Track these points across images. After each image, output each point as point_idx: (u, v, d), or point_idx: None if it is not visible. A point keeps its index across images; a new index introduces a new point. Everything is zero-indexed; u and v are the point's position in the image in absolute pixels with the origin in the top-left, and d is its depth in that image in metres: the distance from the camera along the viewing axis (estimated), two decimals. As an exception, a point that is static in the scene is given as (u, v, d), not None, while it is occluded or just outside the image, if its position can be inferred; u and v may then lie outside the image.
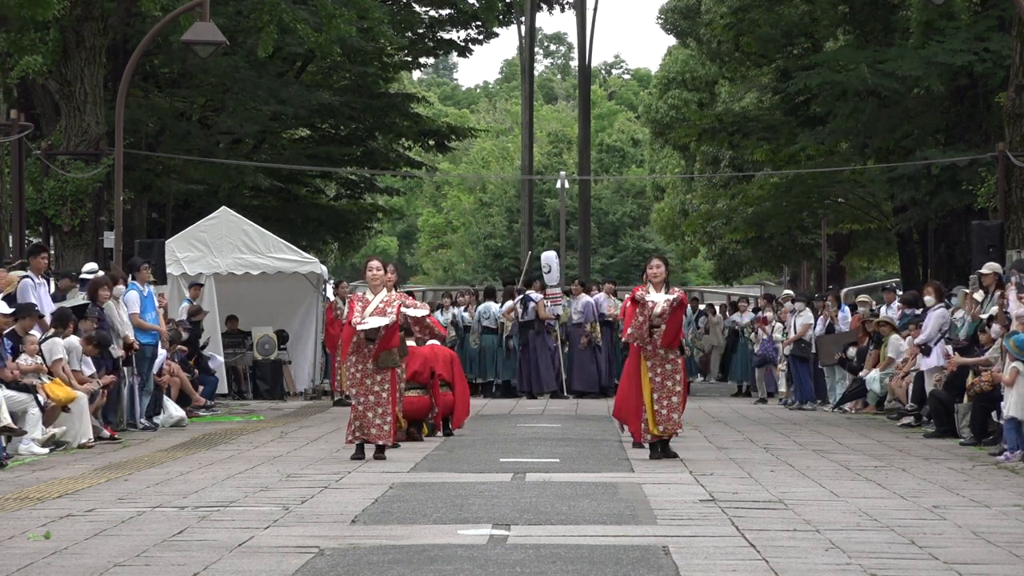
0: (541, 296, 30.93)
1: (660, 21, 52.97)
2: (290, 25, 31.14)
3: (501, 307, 31.50)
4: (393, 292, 17.15)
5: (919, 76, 32.54)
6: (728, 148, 47.23)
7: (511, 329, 31.17)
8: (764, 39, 39.95)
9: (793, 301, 29.44)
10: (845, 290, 36.95)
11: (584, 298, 31.14)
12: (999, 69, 30.90)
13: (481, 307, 31.64)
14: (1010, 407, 16.72)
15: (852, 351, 26.67)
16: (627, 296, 17.07)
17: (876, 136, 36.87)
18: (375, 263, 16.87)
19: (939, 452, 17.99)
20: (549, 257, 32.15)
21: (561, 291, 31.51)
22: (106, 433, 19.58)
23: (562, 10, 54.21)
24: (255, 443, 19.09)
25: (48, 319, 19.45)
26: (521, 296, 31.30)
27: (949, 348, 21.24)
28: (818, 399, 28.09)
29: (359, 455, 16.61)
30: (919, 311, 24.54)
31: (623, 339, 17.09)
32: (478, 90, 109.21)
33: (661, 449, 16.61)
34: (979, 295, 21.34)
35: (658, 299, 16.48)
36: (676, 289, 17.02)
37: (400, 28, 41.59)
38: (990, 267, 21.41)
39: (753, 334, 31.18)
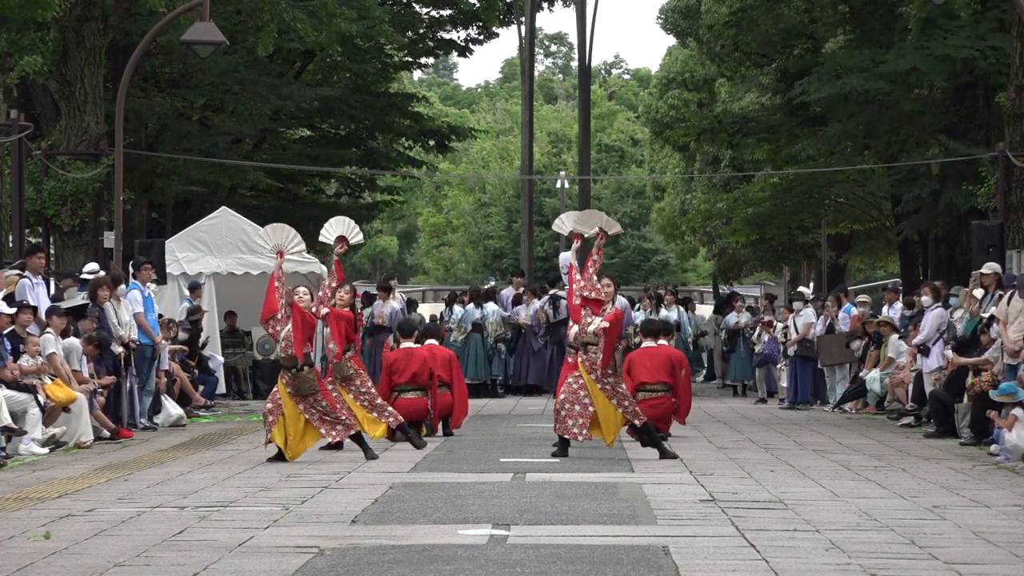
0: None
1: (660, 21, 52.95)
2: (290, 24, 31.14)
3: (479, 309, 31.51)
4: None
5: (921, 71, 32.46)
6: (728, 148, 47.18)
7: (541, 330, 31.21)
8: (764, 40, 39.92)
9: (791, 301, 29.45)
10: (852, 288, 36.89)
11: (620, 300, 30.98)
12: (1002, 67, 30.87)
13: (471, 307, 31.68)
14: (1013, 447, 16.68)
15: (856, 344, 26.64)
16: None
17: (877, 138, 36.85)
18: (302, 288, 17.09)
19: (939, 452, 17.99)
20: (566, 258, 32.11)
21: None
22: (106, 433, 19.59)
23: (565, 4, 54.22)
24: (255, 443, 19.08)
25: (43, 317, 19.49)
26: (549, 296, 31.37)
27: (948, 351, 21.23)
28: (818, 399, 28.12)
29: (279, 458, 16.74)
30: (912, 312, 24.60)
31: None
32: (478, 90, 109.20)
33: (649, 437, 16.81)
34: (979, 292, 21.37)
35: (595, 318, 16.69)
36: (617, 309, 17.19)
37: (400, 28, 41.58)
38: (990, 267, 21.43)
39: (755, 335, 31.15)
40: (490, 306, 31.69)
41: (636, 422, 16.80)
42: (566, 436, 16.86)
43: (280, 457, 16.51)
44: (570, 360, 16.89)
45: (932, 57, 32.24)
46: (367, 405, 18.21)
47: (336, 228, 18.20)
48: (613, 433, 16.91)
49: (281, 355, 16.74)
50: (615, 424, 16.80)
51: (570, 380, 16.78)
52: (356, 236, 18.30)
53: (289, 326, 16.57)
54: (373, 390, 18.51)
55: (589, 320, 16.70)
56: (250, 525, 11.11)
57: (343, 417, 16.74)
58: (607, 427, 16.75)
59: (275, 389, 16.85)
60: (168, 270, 26.91)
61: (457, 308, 31.66)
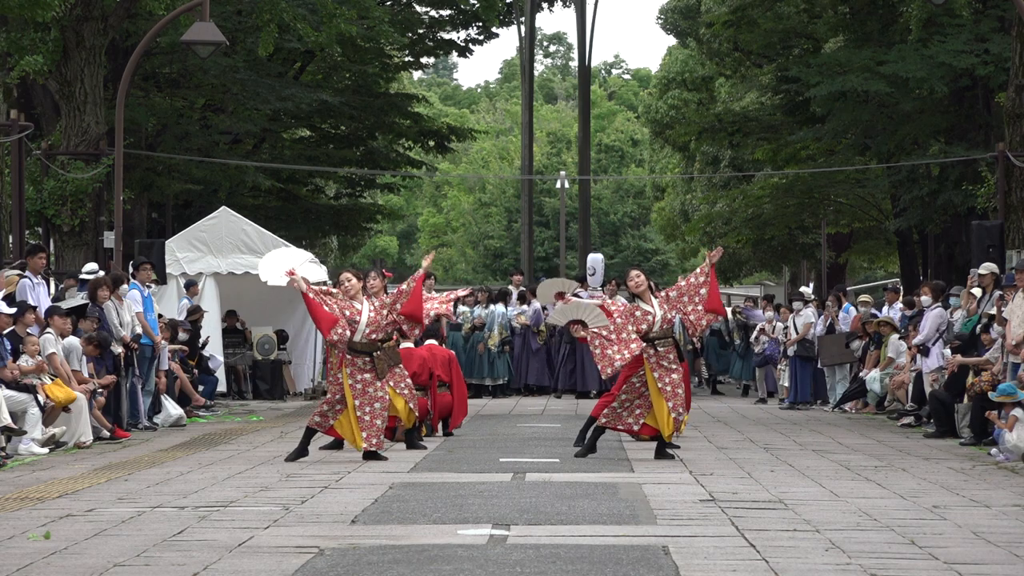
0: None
1: (660, 21, 52.99)
2: (290, 24, 31.15)
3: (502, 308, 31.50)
4: (385, 298, 16.98)
5: (922, 78, 32.46)
6: (728, 148, 47.17)
7: (554, 329, 31.18)
8: (763, 40, 39.92)
9: (791, 301, 29.45)
10: (852, 288, 36.95)
11: (619, 299, 30.85)
12: (1001, 72, 30.88)
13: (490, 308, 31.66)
14: (1013, 447, 16.67)
15: (856, 344, 26.63)
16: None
17: (876, 138, 36.87)
18: (347, 274, 16.78)
19: (939, 452, 18.00)
20: (595, 259, 32.09)
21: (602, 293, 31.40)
22: (106, 433, 19.59)
23: (565, 4, 54.22)
24: (255, 443, 19.09)
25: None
26: (572, 295, 31.28)
27: (947, 351, 21.22)
28: (818, 399, 28.12)
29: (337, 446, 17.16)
30: (912, 312, 24.61)
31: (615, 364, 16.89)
32: (478, 90, 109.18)
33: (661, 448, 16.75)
34: (977, 291, 21.37)
35: (654, 310, 16.46)
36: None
37: (400, 28, 41.60)
38: (987, 267, 21.42)
39: (755, 335, 31.12)
40: (499, 308, 31.68)
41: (676, 432, 16.73)
42: (618, 428, 16.74)
43: (336, 445, 17.05)
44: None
45: (932, 63, 32.24)
46: (406, 394, 17.76)
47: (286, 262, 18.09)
48: (667, 427, 16.58)
49: (364, 341, 16.55)
50: (668, 426, 16.52)
51: (634, 379, 16.58)
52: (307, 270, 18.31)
53: (366, 316, 16.45)
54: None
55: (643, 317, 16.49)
56: (250, 525, 11.11)
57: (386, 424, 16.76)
58: (662, 423, 16.52)
59: (339, 379, 16.69)
60: (168, 270, 26.92)
61: (477, 308, 31.54)
